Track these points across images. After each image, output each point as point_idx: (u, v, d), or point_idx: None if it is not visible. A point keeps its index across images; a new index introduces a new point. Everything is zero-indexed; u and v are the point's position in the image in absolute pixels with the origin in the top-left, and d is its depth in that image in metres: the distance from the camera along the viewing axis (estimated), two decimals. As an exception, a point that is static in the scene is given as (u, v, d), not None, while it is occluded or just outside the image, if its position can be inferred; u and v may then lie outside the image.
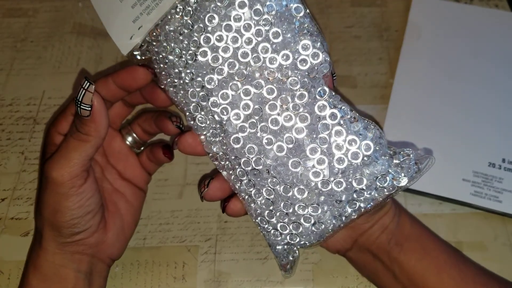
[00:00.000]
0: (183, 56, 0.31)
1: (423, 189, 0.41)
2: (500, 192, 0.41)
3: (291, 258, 0.33)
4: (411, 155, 0.29)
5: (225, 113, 0.30)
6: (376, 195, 0.29)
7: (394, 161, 0.29)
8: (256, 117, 0.30)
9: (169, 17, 0.31)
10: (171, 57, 0.31)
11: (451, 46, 0.48)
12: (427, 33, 0.49)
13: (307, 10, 0.29)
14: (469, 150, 0.43)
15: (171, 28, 0.31)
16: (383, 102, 0.47)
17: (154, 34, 0.32)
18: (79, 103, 0.30)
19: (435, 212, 0.41)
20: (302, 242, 0.32)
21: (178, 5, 0.31)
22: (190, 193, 0.43)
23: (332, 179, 0.29)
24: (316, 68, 0.29)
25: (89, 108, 0.30)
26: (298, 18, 0.29)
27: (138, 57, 0.34)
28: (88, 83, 0.30)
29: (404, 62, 0.47)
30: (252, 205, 0.32)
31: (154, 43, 0.32)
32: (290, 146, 0.30)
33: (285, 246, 0.33)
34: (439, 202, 0.42)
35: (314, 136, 0.29)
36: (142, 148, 0.39)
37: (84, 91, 0.30)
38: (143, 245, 0.41)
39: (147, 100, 0.35)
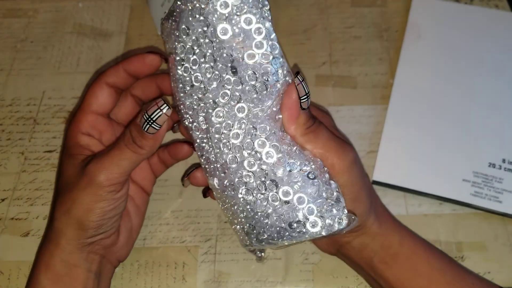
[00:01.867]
0: (171, 56, 0.32)
1: (423, 189, 0.41)
2: (500, 193, 0.41)
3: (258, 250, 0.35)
4: (339, 208, 0.29)
5: (190, 120, 0.32)
6: (296, 235, 0.29)
7: (322, 208, 0.29)
8: (208, 135, 0.31)
9: (168, 14, 0.32)
10: (169, 46, 0.33)
11: (451, 46, 0.48)
12: (427, 33, 0.49)
13: (266, 27, 0.28)
14: (469, 150, 0.43)
15: (167, 26, 0.32)
16: (383, 102, 0.47)
17: (162, 25, 0.33)
18: (151, 121, 0.30)
19: (435, 213, 0.41)
20: (253, 245, 0.33)
21: None
22: (190, 194, 0.43)
23: (258, 211, 0.30)
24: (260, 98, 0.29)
25: (159, 128, 0.31)
26: (257, 35, 0.28)
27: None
28: (167, 107, 0.30)
29: (404, 62, 0.47)
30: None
31: (162, 34, 0.34)
32: (226, 171, 0.31)
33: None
34: (439, 203, 0.42)
35: (242, 169, 0.30)
36: None
37: (160, 112, 0.30)
38: (143, 245, 0.41)
39: (161, 90, 0.37)
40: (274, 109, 0.29)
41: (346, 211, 0.29)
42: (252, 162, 0.29)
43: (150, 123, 0.30)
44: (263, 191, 0.29)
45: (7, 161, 0.45)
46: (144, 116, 0.30)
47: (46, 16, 0.53)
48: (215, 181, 0.32)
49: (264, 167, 0.29)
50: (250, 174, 0.30)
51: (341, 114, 0.46)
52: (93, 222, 0.32)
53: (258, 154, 0.29)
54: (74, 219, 0.32)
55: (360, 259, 0.34)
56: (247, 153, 0.30)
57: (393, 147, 0.43)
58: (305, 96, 0.29)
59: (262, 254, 0.37)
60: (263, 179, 0.29)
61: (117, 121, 0.37)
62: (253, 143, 0.29)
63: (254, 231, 0.31)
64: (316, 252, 0.40)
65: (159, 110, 0.30)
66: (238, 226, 0.33)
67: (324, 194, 0.29)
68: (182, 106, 0.32)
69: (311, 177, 0.29)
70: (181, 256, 0.40)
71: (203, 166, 0.33)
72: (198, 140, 0.32)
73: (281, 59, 0.28)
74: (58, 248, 0.33)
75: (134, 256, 0.40)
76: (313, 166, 0.29)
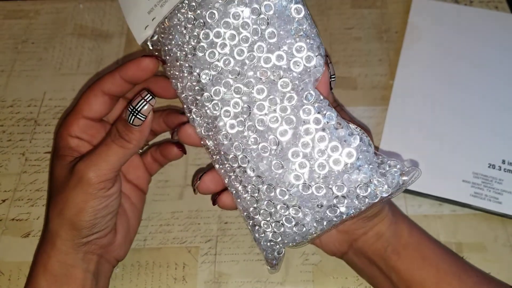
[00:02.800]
0: (184, 49, 0.31)
1: (423, 190, 0.41)
2: (500, 193, 0.41)
3: (276, 254, 0.34)
4: (397, 166, 0.29)
5: (216, 108, 0.31)
6: (357, 203, 0.29)
7: (380, 170, 0.29)
8: (245, 116, 0.30)
9: (176, 11, 0.32)
10: (174, 50, 0.32)
11: (451, 48, 0.48)
12: (427, 34, 0.49)
13: (307, 11, 0.29)
14: (469, 151, 0.43)
15: (176, 22, 0.32)
16: (383, 103, 0.47)
17: (163, 26, 0.33)
18: (136, 112, 0.31)
19: (435, 213, 0.42)
20: (285, 241, 0.32)
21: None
22: (191, 194, 0.43)
23: (313, 183, 0.29)
24: (309, 71, 0.29)
25: (144, 119, 0.31)
26: (297, 19, 0.29)
27: (151, 47, 0.35)
28: (151, 97, 0.31)
29: (404, 63, 0.48)
30: (239, 200, 0.32)
31: (163, 35, 0.33)
32: (274, 147, 0.30)
33: (269, 244, 0.33)
34: (439, 203, 0.42)
35: (297, 139, 0.29)
36: (143, 149, 0.39)
37: (145, 102, 0.31)
38: (143, 246, 0.41)
39: (155, 93, 0.36)
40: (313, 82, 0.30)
41: (405, 163, 0.29)
42: (311, 130, 0.29)
43: (135, 114, 0.31)
44: (325, 156, 0.29)
45: (8, 162, 0.45)
46: (129, 108, 0.31)
47: (47, 17, 0.54)
48: (249, 171, 0.31)
49: (325, 132, 0.29)
50: (308, 141, 0.29)
51: (341, 115, 0.46)
52: (86, 222, 0.32)
53: (316, 121, 0.29)
54: (67, 220, 0.32)
55: (373, 252, 0.34)
56: (303, 121, 0.29)
57: (393, 148, 0.43)
58: (334, 76, 0.31)
59: (279, 257, 0.36)
60: (324, 144, 0.29)
61: (109, 122, 0.37)
62: (308, 112, 0.29)
63: (300, 213, 0.30)
64: (316, 253, 0.40)
65: (143, 100, 0.31)
66: (272, 219, 0.31)
67: (379, 156, 0.29)
68: (206, 95, 0.31)
69: (366, 144, 0.29)
70: (182, 256, 0.40)
71: (230, 156, 0.31)
72: (224, 129, 0.31)
73: (318, 38, 0.29)
74: (54, 249, 0.33)
75: (134, 256, 0.40)
76: (365, 134, 0.29)
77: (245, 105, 0.30)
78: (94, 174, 0.31)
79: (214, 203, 0.35)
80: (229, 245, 0.41)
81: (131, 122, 0.31)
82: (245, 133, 0.30)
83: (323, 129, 0.29)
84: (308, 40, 0.29)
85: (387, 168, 0.29)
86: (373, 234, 0.34)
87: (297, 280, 0.39)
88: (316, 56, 0.29)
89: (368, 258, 0.35)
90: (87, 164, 0.31)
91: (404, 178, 0.29)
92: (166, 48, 0.33)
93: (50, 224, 0.33)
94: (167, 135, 0.44)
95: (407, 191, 0.42)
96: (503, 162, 0.42)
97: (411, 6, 0.51)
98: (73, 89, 0.49)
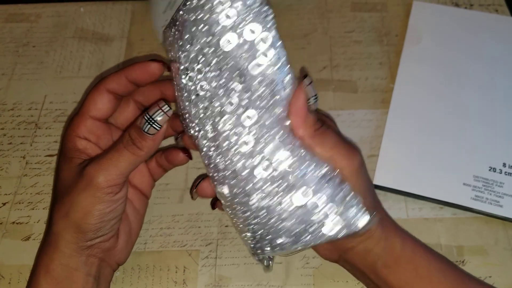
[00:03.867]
0: (182, 61, 0.32)
1: (424, 193, 0.41)
2: (500, 197, 0.41)
3: (267, 257, 0.34)
4: (359, 206, 0.29)
5: (200, 126, 0.32)
6: (316, 237, 0.30)
7: (339, 209, 0.29)
8: (218, 141, 0.31)
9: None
10: (172, 54, 0.33)
11: (451, 51, 0.48)
12: (427, 37, 0.49)
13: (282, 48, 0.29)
14: (470, 154, 0.43)
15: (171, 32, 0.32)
16: (384, 106, 0.47)
17: (165, 30, 0.33)
18: (152, 121, 0.31)
19: (435, 217, 0.41)
20: (264, 253, 0.33)
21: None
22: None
23: (274, 214, 0.30)
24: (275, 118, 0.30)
25: (159, 129, 0.32)
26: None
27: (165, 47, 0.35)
28: (168, 108, 0.32)
29: (405, 66, 0.48)
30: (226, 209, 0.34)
31: (169, 38, 0.34)
32: (244, 174, 0.30)
33: (254, 251, 0.34)
34: (440, 207, 0.42)
35: (261, 173, 0.30)
36: None
37: (162, 113, 0.31)
38: (144, 249, 0.41)
39: (165, 96, 0.37)
40: (284, 114, 0.29)
41: (365, 209, 0.29)
42: (265, 168, 0.29)
43: (151, 123, 0.31)
44: (279, 196, 0.29)
45: (8, 165, 0.45)
46: (145, 117, 0.31)
47: (48, 21, 0.54)
48: (225, 189, 0.32)
49: (277, 172, 0.29)
50: (263, 180, 0.30)
51: (341, 118, 0.46)
52: (92, 225, 0.32)
53: (270, 160, 0.29)
54: (73, 222, 0.32)
55: (364, 265, 0.34)
56: (259, 159, 0.30)
57: (393, 151, 0.43)
58: (314, 98, 0.30)
59: (270, 262, 0.37)
60: (277, 183, 0.29)
61: (117, 125, 0.37)
62: (264, 149, 0.29)
63: (268, 237, 0.31)
64: (317, 257, 0.40)
65: (160, 110, 0.31)
66: (248, 234, 0.32)
67: (341, 194, 0.29)
68: (187, 115, 0.32)
69: (326, 179, 0.29)
70: (182, 260, 0.40)
71: (210, 174, 0.33)
72: (205, 149, 0.32)
73: (287, 67, 0.29)
74: (57, 251, 0.33)
75: (135, 260, 0.40)
76: (327, 168, 0.29)
77: (214, 134, 0.31)
78: (104, 178, 0.31)
79: (213, 207, 0.36)
80: (229, 248, 0.41)
81: (146, 130, 0.31)
82: (218, 157, 0.31)
83: (287, 166, 0.29)
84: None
85: (347, 207, 0.29)
86: (362, 249, 0.33)
87: (297, 284, 0.39)
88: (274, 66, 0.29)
89: (358, 269, 0.35)
90: (97, 168, 0.32)
91: (362, 220, 0.29)
92: (171, 54, 0.33)
93: (54, 226, 0.33)
94: (171, 140, 0.44)
95: (408, 194, 0.42)
96: (504, 165, 0.42)
97: (411, 9, 0.51)
98: (74, 93, 0.49)
